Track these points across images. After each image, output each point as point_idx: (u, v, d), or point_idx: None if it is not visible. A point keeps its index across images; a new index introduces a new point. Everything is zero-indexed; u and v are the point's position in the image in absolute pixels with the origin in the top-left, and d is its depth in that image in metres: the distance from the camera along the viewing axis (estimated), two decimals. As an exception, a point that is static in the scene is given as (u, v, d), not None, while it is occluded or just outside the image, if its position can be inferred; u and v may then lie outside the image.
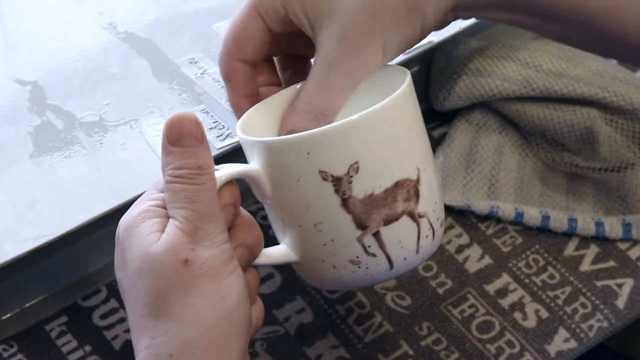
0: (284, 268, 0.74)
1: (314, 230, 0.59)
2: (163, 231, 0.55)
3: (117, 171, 0.69)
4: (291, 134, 0.60)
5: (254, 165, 0.60)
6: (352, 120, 0.58)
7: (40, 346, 0.71)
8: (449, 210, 0.77)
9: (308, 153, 0.58)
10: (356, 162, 0.58)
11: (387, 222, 0.59)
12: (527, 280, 0.74)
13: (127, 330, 0.70)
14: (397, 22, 0.60)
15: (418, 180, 0.60)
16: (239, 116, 0.65)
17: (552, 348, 0.71)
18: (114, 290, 0.73)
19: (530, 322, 0.72)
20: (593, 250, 0.76)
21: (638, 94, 0.78)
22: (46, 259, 0.70)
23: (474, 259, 0.76)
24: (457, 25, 0.77)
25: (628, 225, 0.76)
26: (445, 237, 0.76)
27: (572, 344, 0.71)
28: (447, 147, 0.80)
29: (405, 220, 0.60)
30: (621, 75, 0.79)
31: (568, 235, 0.77)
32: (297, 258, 0.61)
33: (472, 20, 0.77)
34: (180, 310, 0.54)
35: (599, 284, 0.74)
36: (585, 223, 0.76)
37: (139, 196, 0.59)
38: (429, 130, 0.82)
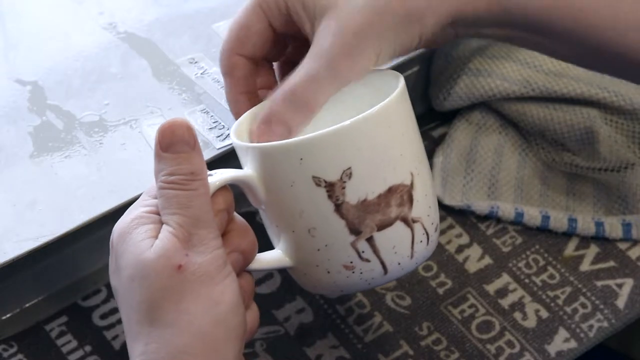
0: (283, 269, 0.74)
1: (308, 235, 0.59)
2: (156, 237, 0.55)
3: (117, 171, 0.69)
4: (267, 120, 0.60)
5: (247, 170, 0.60)
6: (345, 125, 0.58)
7: (40, 346, 0.71)
8: (449, 210, 0.77)
9: (301, 159, 0.58)
10: (349, 168, 0.58)
11: (381, 227, 0.59)
12: (527, 280, 0.74)
13: (127, 330, 0.70)
14: (395, 29, 0.60)
15: (412, 185, 0.60)
16: (235, 113, 0.65)
17: (552, 348, 0.71)
18: (114, 290, 0.73)
19: (530, 322, 0.72)
20: (593, 250, 0.76)
21: (638, 94, 0.78)
22: (46, 259, 0.70)
23: (474, 259, 0.76)
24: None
25: (628, 225, 0.76)
26: (445, 237, 0.76)
27: (572, 344, 0.71)
28: (447, 147, 0.80)
29: (399, 225, 0.60)
30: (621, 75, 0.79)
31: (568, 235, 0.77)
32: (291, 263, 0.61)
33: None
34: (173, 317, 0.54)
35: (599, 284, 0.74)
36: (585, 223, 0.76)
37: (139, 196, 0.59)
38: (429, 130, 0.82)
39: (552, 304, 0.73)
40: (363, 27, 0.60)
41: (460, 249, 0.76)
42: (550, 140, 0.79)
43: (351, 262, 0.60)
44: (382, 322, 0.72)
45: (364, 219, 0.59)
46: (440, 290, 0.74)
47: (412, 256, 0.61)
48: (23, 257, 0.65)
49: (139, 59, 0.76)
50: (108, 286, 0.73)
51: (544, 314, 0.73)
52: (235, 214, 0.60)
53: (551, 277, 0.75)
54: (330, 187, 0.58)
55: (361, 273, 0.60)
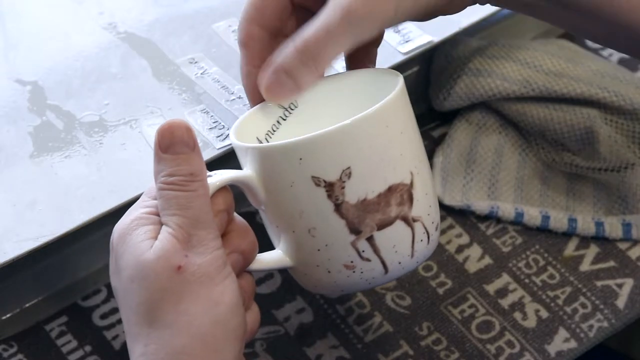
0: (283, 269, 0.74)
1: (308, 235, 0.59)
2: (156, 238, 0.55)
3: (117, 171, 0.69)
4: (279, 70, 0.59)
5: (247, 171, 0.60)
6: (344, 125, 0.58)
7: (40, 346, 0.71)
8: (449, 210, 0.77)
9: (300, 159, 0.58)
10: (348, 168, 0.58)
11: (381, 226, 0.59)
12: (527, 280, 0.74)
13: (127, 330, 0.70)
14: None
15: (412, 184, 0.60)
16: (247, 86, 0.64)
17: (552, 348, 0.71)
18: (114, 290, 0.73)
19: (530, 322, 0.72)
20: (593, 250, 0.76)
21: (638, 94, 0.78)
22: (46, 259, 0.70)
23: (474, 259, 0.76)
24: (457, 25, 0.77)
25: (628, 225, 0.76)
26: (445, 237, 0.76)
27: (572, 344, 0.71)
28: (447, 147, 0.80)
29: (399, 224, 0.60)
30: (621, 75, 0.79)
31: (568, 235, 0.77)
32: (291, 263, 0.61)
33: (473, 20, 0.77)
34: (173, 317, 0.54)
35: (599, 284, 0.74)
36: (585, 223, 0.76)
37: (139, 196, 0.59)
38: (429, 130, 0.83)
39: (552, 304, 0.73)
40: None
41: (460, 249, 0.76)
42: (550, 140, 0.79)
43: (352, 262, 0.60)
44: (382, 322, 0.72)
45: (364, 218, 0.59)
46: (440, 290, 0.74)
47: (412, 255, 0.61)
48: (23, 257, 0.65)
49: (139, 59, 0.76)
50: (108, 286, 0.73)
51: (544, 314, 0.73)
52: (236, 214, 0.60)
53: (551, 277, 0.75)
54: (329, 187, 0.58)
55: (362, 272, 0.60)
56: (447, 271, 0.75)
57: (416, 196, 0.60)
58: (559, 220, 0.76)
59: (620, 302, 0.73)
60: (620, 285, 0.74)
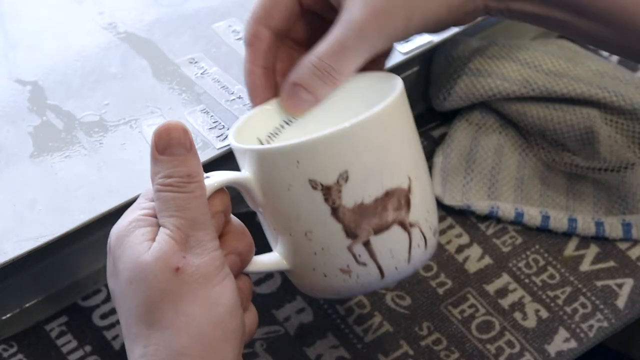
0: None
1: (305, 238, 0.59)
2: (154, 240, 0.55)
3: (117, 171, 0.69)
4: (297, 86, 0.60)
5: (245, 173, 0.60)
6: (342, 128, 0.57)
7: (40, 346, 0.71)
8: (449, 210, 0.77)
9: (298, 162, 0.58)
10: (346, 171, 0.58)
11: (378, 231, 0.59)
12: (527, 280, 0.74)
13: (127, 330, 0.70)
14: None
15: (409, 189, 0.60)
16: (249, 84, 0.64)
17: (552, 348, 0.71)
18: (114, 290, 0.73)
19: (530, 322, 0.72)
20: (593, 250, 0.76)
21: (638, 94, 0.78)
22: (46, 258, 0.70)
23: (474, 259, 0.76)
24: (457, 25, 0.77)
25: (628, 225, 0.76)
26: (445, 237, 0.76)
27: (572, 344, 0.71)
28: (447, 147, 0.80)
29: (396, 229, 0.60)
30: (621, 75, 0.79)
31: (568, 235, 0.77)
32: (288, 266, 0.61)
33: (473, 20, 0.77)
34: (172, 318, 0.54)
35: (599, 284, 0.74)
36: (585, 223, 0.76)
37: (139, 196, 0.59)
38: (429, 130, 0.83)
39: (552, 304, 0.73)
40: None
41: (460, 249, 0.76)
42: (550, 140, 0.79)
43: (348, 266, 0.60)
44: (382, 322, 0.72)
45: (360, 222, 0.59)
46: (440, 290, 0.74)
47: (409, 260, 0.61)
48: (23, 257, 0.65)
49: (139, 59, 0.76)
50: (108, 286, 0.73)
51: (544, 314, 0.73)
52: (232, 216, 0.60)
53: (551, 277, 0.75)
54: (326, 191, 0.58)
55: (358, 277, 0.60)
56: (447, 271, 0.75)
57: (414, 201, 0.60)
58: (559, 220, 0.76)
59: (620, 302, 0.73)
60: (620, 285, 0.74)
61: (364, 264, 0.60)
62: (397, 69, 0.74)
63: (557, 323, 0.72)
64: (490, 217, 0.78)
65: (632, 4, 0.59)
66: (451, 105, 0.81)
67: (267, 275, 0.74)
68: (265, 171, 0.59)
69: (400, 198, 0.59)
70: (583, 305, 0.73)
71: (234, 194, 0.60)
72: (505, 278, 0.75)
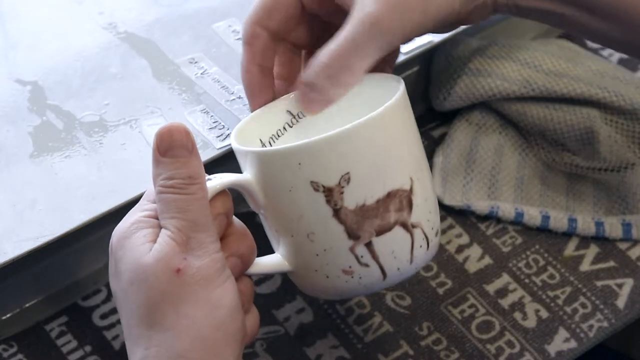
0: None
1: (307, 240, 0.59)
2: (155, 241, 0.55)
3: (117, 171, 0.69)
4: (308, 87, 0.59)
5: (246, 175, 0.60)
6: (344, 130, 0.57)
7: (40, 346, 0.71)
8: (449, 210, 0.77)
9: (299, 163, 0.57)
10: (347, 173, 0.58)
11: (380, 232, 0.59)
12: (527, 280, 0.74)
13: (127, 330, 0.70)
14: None
15: (411, 190, 0.60)
16: (247, 83, 0.64)
17: (552, 348, 0.71)
18: (114, 290, 0.73)
19: (530, 322, 0.72)
20: (593, 250, 0.76)
21: (638, 94, 0.78)
22: (46, 258, 0.69)
23: (474, 259, 0.76)
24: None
25: (628, 225, 0.76)
26: (445, 237, 0.76)
27: (572, 344, 0.71)
28: (447, 147, 0.80)
29: (398, 230, 0.60)
30: (621, 75, 0.79)
31: (568, 235, 0.77)
32: (290, 268, 0.61)
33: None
34: (173, 320, 0.54)
35: (599, 284, 0.74)
36: (585, 223, 0.76)
37: (139, 196, 0.59)
38: (429, 130, 0.83)
39: (552, 304, 0.73)
40: None
41: (460, 249, 0.76)
42: (550, 140, 0.79)
43: (350, 267, 0.60)
44: (382, 322, 0.72)
45: (362, 224, 0.59)
46: (440, 290, 0.74)
47: (411, 261, 0.61)
48: (23, 257, 0.65)
49: (139, 59, 0.76)
50: (108, 286, 0.73)
51: (544, 314, 0.73)
52: (234, 217, 0.59)
53: (551, 277, 0.75)
54: (328, 192, 0.58)
55: (360, 278, 0.60)
56: (447, 271, 0.75)
57: (416, 202, 0.60)
58: (559, 220, 0.76)
59: (620, 302, 0.73)
60: (620, 285, 0.74)
61: (366, 265, 0.60)
62: (397, 69, 0.74)
63: (557, 323, 0.72)
64: (490, 217, 0.78)
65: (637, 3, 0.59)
66: (451, 105, 0.81)
67: (267, 275, 0.74)
68: (266, 173, 0.59)
69: (402, 199, 0.59)
70: (583, 305, 0.73)
71: (234, 195, 0.60)
72: (505, 278, 0.75)
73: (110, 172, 0.69)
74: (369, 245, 0.59)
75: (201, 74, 0.75)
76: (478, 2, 0.62)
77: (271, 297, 0.73)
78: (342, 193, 0.58)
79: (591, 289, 0.74)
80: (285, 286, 0.74)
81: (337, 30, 0.61)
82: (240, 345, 0.56)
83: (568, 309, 0.73)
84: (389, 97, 0.59)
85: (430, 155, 0.79)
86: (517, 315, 0.73)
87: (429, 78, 0.83)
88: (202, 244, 0.55)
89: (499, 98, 0.79)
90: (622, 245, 0.76)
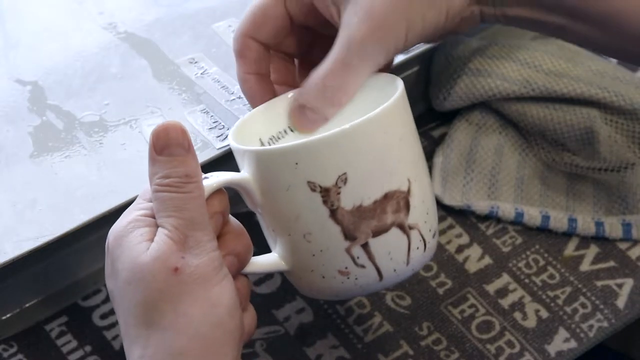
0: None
1: (303, 240, 0.59)
2: (152, 240, 0.55)
3: (117, 171, 0.69)
4: (302, 108, 0.60)
5: (244, 173, 0.60)
6: (341, 130, 0.57)
7: (40, 346, 0.71)
8: (449, 210, 0.77)
9: (296, 163, 0.57)
10: (344, 173, 0.58)
11: (376, 233, 0.59)
12: (527, 280, 0.74)
13: (127, 330, 0.70)
14: (421, 7, 0.59)
15: (409, 191, 0.60)
16: (247, 92, 0.65)
17: (552, 348, 0.71)
18: (114, 290, 0.73)
19: (530, 322, 0.72)
20: (593, 250, 0.76)
21: (638, 94, 0.78)
22: (46, 258, 0.69)
23: (474, 259, 0.76)
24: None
25: (628, 225, 0.76)
26: (445, 237, 0.76)
27: (572, 344, 0.71)
28: (447, 147, 0.80)
29: (394, 232, 0.60)
30: (621, 75, 0.79)
31: (568, 235, 0.77)
32: (287, 267, 0.61)
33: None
34: (171, 319, 0.54)
35: (599, 284, 0.74)
36: (585, 223, 0.76)
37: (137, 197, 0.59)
38: (429, 130, 0.82)
39: (552, 304, 0.73)
40: (390, 6, 0.59)
41: (460, 249, 0.76)
42: (550, 140, 0.79)
43: (346, 268, 0.60)
44: (382, 322, 0.72)
45: (359, 224, 0.59)
46: (440, 290, 0.74)
47: (408, 263, 0.61)
48: (23, 257, 0.65)
49: (139, 59, 0.76)
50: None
51: (544, 314, 0.73)
52: (231, 216, 0.59)
53: (551, 277, 0.75)
54: (325, 192, 0.58)
55: (356, 279, 0.60)
56: (447, 271, 0.75)
57: (413, 203, 0.60)
58: (559, 220, 0.76)
59: (620, 302, 0.73)
60: (620, 285, 0.74)
61: (363, 266, 0.60)
62: (397, 69, 0.74)
63: (557, 323, 0.72)
64: (490, 217, 0.78)
65: (625, 7, 0.59)
66: (451, 105, 0.81)
67: (267, 275, 0.74)
68: (264, 172, 0.59)
69: (400, 200, 0.59)
70: (583, 305, 0.73)
71: (232, 194, 0.60)
72: (505, 278, 0.75)
73: (110, 172, 0.69)
74: (365, 246, 0.59)
75: (201, 74, 0.75)
76: (465, 14, 0.62)
77: (271, 297, 0.73)
78: (339, 193, 0.58)
79: (591, 289, 0.74)
80: (285, 286, 0.74)
81: (327, 40, 0.62)
82: (239, 344, 0.56)
83: (568, 309, 0.73)
84: (388, 98, 0.59)
85: (430, 155, 0.79)
86: (517, 315, 0.73)
87: (429, 78, 0.82)
88: (199, 242, 0.55)
89: (499, 98, 0.79)
90: (622, 245, 0.76)
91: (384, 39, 0.60)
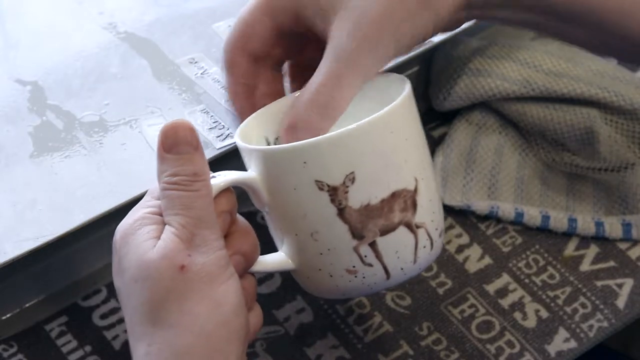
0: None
1: (311, 239, 0.59)
2: (159, 238, 0.55)
3: (117, 171, 0.69)
4: (293, 126, 0.60)
5: (251, 173, 0.60)
6: (349, 130, 0.57)
7: (40, 346, 0.71)
8: (449, 210, 0.77)
9: (304, 162, 0.57)
10: (352, 172, 0.58)
11: (384, 232, 0.59)
12: (527, 280, 0.74)
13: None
14: (409, 17, 0.60)
15: (416, 190, 0.60)
16: (235, 103, 0.64)
17: (552, 348, 0.71)
18: (114, 291, 0.72)
19: (530, 322, 0.72)
20: (593, 250, 0.76)
21: (638, 94, 0.78)
22: (46, 259, 0.70)
23: (474, 259, 0.76)
24: (457, 25, 0.77)
25: (628, 225, 0.76)
26: (445, 237, 0.76)
27: (572, 344, 0.71)
28: (447, 147, 0.80)
29: (402, 230, 0.60)
30: (621, 75, 0.79)
31: (568, 235, 0.77)
32: (294, 266, 0.61)
33: (473, 20, 0.77)
34: (177, 317, 0.54)
35: (599, 284, 0.74)
36: (585, 223, 0.76)
37: (139, 196, 0.59)
38: (429, 130, 0.83)
39: (552, 304, 0.73)
40: (378, 19, 0.59)
41: (460, 249, 0.76)
42: (550, 140, 0.79)
43: (354, 267, 0.60)
44: (382, 322, 0.72)
45: (366, 223, 0.59)
46: (440, 290, 0.74)
47: (415, 261, 0.61)
48: (23, 257, 0.65)
49: (139, 59, 0.76)
50: (108, 286, 0.73)
51: (544, 314, 0.73)
52: (238, 215, 0.60)
53: (551, 277, 0.75)
54: (333, 192, 0.58)
55: (364, 277, 0.60)
56: (447, 271, 0.75)
57: (420, 202, 0.60)
58: (559, 220, 0.76)
59: (620, 302, 0.73)
60: (620, 285, 0.74)
61: (370, 265, 0.60)
62: (397, 69, 0.74)
63: (557, 323, 0.72)
64: (490, 217, 0.78)
65: (600, 5, 0.60)
66: (451, 105, 0.81)
67: (267, 275, 0.74)
68: (271, 171, 0.59)
69: (407, 199, 0.59)
70: (583, 305, 0.73)
71: (238, 193, 0.60)
72: (505, 278, 0.75)
73: (110, 172, 0.69)
74: (372, 245, 0.59)
75: (201, 74, 0.75)
76: (452, 20, 0.62)
77: (271, 297, 0.73)
78: (346, 192, 0.58)
79: (591, 289, 0.74)
80: (285, 286, 0.74)
81: (317, 43, 0.61)
82: (244, 343, 0.56)
83: (568, 309, 0.73)
84: (395, 97, 0.59)
85: (430, 155, 0.79)
86: (517, 315, 0.73)
87: (429, 78, 0.83)
88: (206, 241, 0.55)
89: (499, 98, 0.79)
90: (622, 245, 0.76)
91: (374, 52, 0.60)
